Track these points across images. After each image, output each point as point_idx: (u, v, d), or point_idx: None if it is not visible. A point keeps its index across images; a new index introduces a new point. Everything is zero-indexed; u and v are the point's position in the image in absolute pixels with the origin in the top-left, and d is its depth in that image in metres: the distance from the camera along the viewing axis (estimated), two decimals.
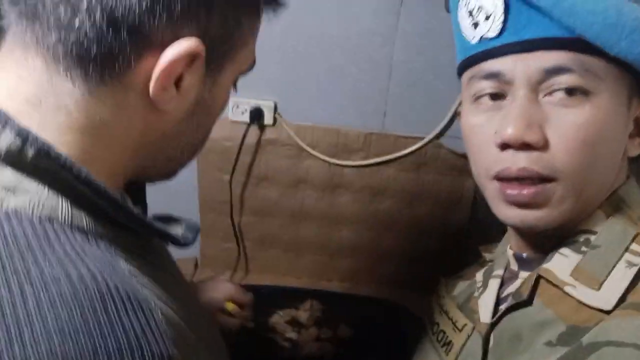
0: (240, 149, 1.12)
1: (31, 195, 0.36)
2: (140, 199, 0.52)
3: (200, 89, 0.43)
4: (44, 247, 0.34)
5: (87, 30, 0.36)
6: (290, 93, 1.13)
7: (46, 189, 0.37)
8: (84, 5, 0.35)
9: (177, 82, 0.40)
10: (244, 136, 1.11)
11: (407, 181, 1.17)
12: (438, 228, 1.19)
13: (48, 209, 0.36)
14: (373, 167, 1.16)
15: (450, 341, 0.61)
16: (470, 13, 0.50)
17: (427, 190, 1.16)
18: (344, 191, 1.18)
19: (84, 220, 0.38)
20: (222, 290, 0.83)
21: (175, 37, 0.38)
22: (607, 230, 0.51)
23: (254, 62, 0.49)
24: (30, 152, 0.36)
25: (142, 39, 0.37)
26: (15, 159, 0.36)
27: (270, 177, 1.17)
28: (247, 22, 0.44)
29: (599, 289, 0.47)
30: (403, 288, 1.22)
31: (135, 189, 0.50)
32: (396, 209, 1.19)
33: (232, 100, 1.11)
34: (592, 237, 0.51)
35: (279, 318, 1.06)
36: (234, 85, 0.48)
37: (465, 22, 0.51)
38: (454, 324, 0.62)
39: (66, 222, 0.37)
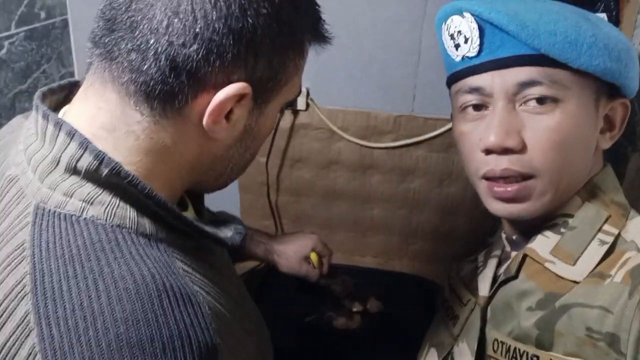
0: (275, 133, 1.21)
1: (105, 207, 0.44)
2: (200, 203, 0.61)
3: (248, 120, 0.50)
4: (114, 250, 0.42)
5: (153, 74, 0.44)
6: (321, 79, 1.21)
7: (118, 201, 0.45)
8: (152, 52, 0.43)
9: (228, 115, 0.47)
10: (278, 121, 1.20)
11: (436, 161, 1.23)
12: (467, 207, 1.25)
13: (119, 218, 0.44)
14: (403, 149, 1.23)
15: (457, 315, 0.71)
16: (452, 36, 0.58)
17: (456, 170, 1.22)
18: (374, 172, 1.26)
19: (147, 228, 0.45)
20: (308, 241, 0.97)
21: (227, 79, 0.45)
22: (583, 214, 0.60)
23: (299, 93, 0.56)
24: (104, 171, 0.44)
25: (198, 81, 0.44)
26: (92, 177, 0.44)
27: (304, 159, 1.26)
28: (291, 62, 0.49)
29: (574, 264, 0.57)
30: (432, 264, 1.29)
31: (195, 194, 0.60)
32: (426, 189, 1.26)
33: None
34: (570, 220, 0.60)
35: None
36: (282, 111, 0.55)
37: (448, 44, 0.59)
38: (460, 299, 0.72)
39: (133, 229, 0.45)
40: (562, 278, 0.57)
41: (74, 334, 0.38)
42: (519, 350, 0.58)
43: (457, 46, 0.59)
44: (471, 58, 0.58)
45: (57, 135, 0.45)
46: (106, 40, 0.45)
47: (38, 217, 0.43)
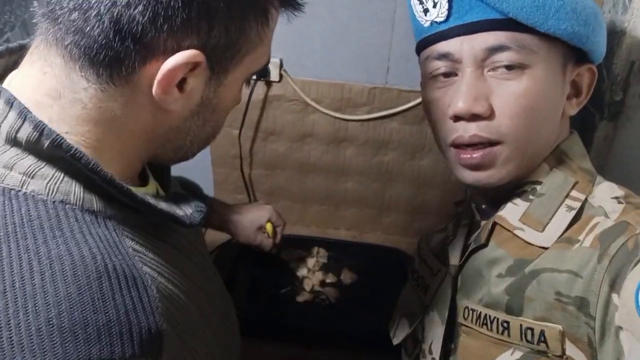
0: (247, 105, 1.21)
1: (47, 181, 0.42)
2: (165, 177, 0.59)
3: (205, 91, 0.47)
4: (53, 229, 0.40)
5: (96, 36, 0.41)
6: (295, 50, 1.20)
7: (62, 175, 0.42)
8: (94, 12, 0.40)
9: (181, 85, 0.45)
10: (251, 92, 1.19)
11: (410, 134, 1.24)
12: (439, 179, 1.27)
13: (62, 193, 0.42)
14: (377, 121, 1.24)
15: (428, 284, 0.72)
16: (420, 1, 0.57)
17: (429, 143, 1.24)
18: (348, 144, 1.27)
19: (95, 204, 0.43)
20: (264, 212, 1.00)
21: (178, 46, 0.43)
22: (550, 180, 0.61)
23: (267, 63, 0.53)
24: (45, 143, 0.41)
25: (145, 47, 0.42)
26: (34, 149, 0.42)
27: (278, 131, 1.26)
28: (253, 30, 0.47)
29: (542, 230, 0.58)
30: (405, 236, 1.32)
31: (161, 168, 0.58)
32: (399, 161, 1.27)
33: None
34: (538, 187, 0.61)
35: (289, 256, 1.18)
36: (247, 82, 0.53)
37: (417, 8, 0.60)
38: (430, 269, 0.73)
39: (77, 205, 0.42)
40: (531, 244, 0.58)
41: (3, 317, 0.36)
42: (489, 316, 0.59)
43: (425, 11, 0.59)
44: (440, 23, 0.58)
45: None
46: None
47: None
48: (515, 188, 0.63)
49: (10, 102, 0.42)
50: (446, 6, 0.57)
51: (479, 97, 0.57)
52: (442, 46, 0.59)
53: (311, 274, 1.15)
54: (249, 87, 0.54)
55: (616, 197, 0.58)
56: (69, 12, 0.41)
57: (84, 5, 0.41)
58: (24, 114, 0.42)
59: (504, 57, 0.56)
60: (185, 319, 0.46)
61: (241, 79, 0.51)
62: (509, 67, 0.57)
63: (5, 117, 0.42)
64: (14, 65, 0.49)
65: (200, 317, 0.51)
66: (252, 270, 1.15)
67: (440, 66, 0.60)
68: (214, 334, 0.54)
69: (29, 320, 0.36)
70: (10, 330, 0.35)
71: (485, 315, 0.60)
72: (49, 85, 0.44)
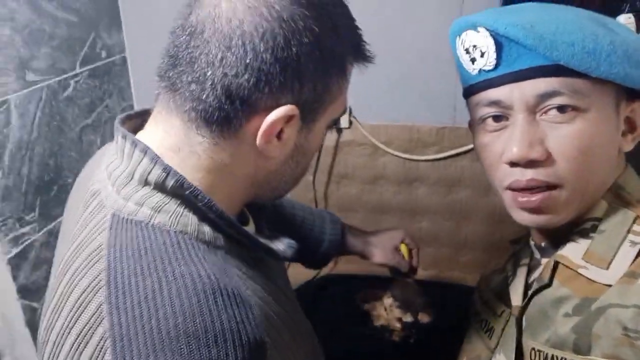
0: (320, 151, 1.27)
1: (170, 215, 0.51)
2: (260, 219, 0.67)
3: (297, 138, 0.55)
4: (176, 253, 0.48)
5: (211, 101, 0.50)
6: (362, 96, 1.25)
7: (182, 210, 0.51)
8: (209, 83, 0.50)
9: (279, 135, 0.53)
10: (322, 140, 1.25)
11: (482, 171, 1.21)
12: None
13: (182, 225, 0.50)
14: (447, 160, 1.25)
15: (492, 327, 0.72)
16: (467, 50, 0.60)
17: None
18: (420, 184, 1.29)
19: (207, 235, 0.51)
20: (398, 233, 1.03)
21: (276, 103, 0.51)
22: (610, 216, 0.60)
23: (345, 110, 0.61)
24: (171, 182, 0.50)
25: (250, 106, 0.51)
26: (161, 188, 0.51)
27: (350, 175, 1.31)
28: (335, 83, 0.55)
29: (607, 267, 0.58)
30: None
31: (257, 208, 0.66)
32: (473, 199, 1.27)
33: None
34: (598, 224, 0.61)
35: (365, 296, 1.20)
36: (329, 127, 0.61)
37: (464, 58, 0.61)
38: (493, 311, 0.72)
39: (193, 236, 0.50)
40: (596, 282, 0.57)
41: (138, 323, 0.43)
42: (557, 357, 0.58)
43: (473, 60, 0.60)
44: (488, 71, 0.59)
45: (133, 152, 0.52)
46: (170, 74, 0.52)
47: (114, 223, 0.50)
48: (574, 226, 0.62)
49: (144, 150, 0.52)
50: (494, 55, 0.58)
51: (533, 143, 0.57)
52: (492, 94, 0.60)
53: (388, 313, 1.16)
54: (331, 131, 0.63)
55: None
56: (188, 84, 0.51)
57: (201, 78, 0.50)
58: (155, 160, 0.51)
59: (556, 101, 0.57)
60: (280, 339, 0.52)
61: (325, 124, 0.59)
62: (561, 109, 0.57)
63: (140, 162, 0.52)
64: (141, 125, 0.59)
65: (291, 341, 0.57)
66: (328, 310, 1.19)
67: (490, 111, 0.61)
68: (304, 357, 0.60)
69: (159, 326, 0.43)
70: (145, 334, 0.43)
71: (553, 356, 0.59)
72: (171, 142, 0.53)
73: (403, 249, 1.04)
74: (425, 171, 1.27)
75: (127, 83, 1.35)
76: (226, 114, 0.51)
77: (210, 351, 0.43)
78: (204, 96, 0.50)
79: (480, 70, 0.60)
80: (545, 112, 0.58)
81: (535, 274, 0.68)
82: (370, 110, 1.26)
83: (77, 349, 0.46)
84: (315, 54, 0.51)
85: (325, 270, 1.36)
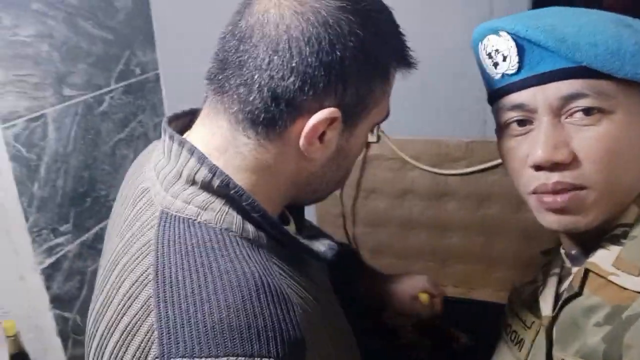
0: None
1: (216, 213, 0.52)
2: (301, 220, 0.68)
3: (339, 141, 0.56)
4: (222, 249, 0.50)
5: (257, 104, 0.52)
6: (391, 109, 1.25)
7: (227, 208, 0.53)
8: (256, 86, 0.51)
9: (321, 137, 0.54)
10: None
11: (512, 185, 1.21)
12: (547, 230, 1.21)
13: (227, 223, 0.52)
14: (477, 174, 1.23)
15: (522, 339, 0.70)
16: (490, 55, 0.60)
17: None
18: (450, 199, 1.27)
19: (251, 233, 0.53)
20: (417, 281, 0.98)
21: (320, 106, 0.52)
22: None
23: (387, 114, 0.62)
24: (216, 182, 0.52)
25: (295, 109, 0.52)
26: (207, 187, 0.53)
27: (378, 189, 1.30)
28: (378, 88, 0.56)
29: (638, 274, 0.55)
30: None
31: (297, 209, 0.68)
32: (505, 214, 1.24)
33: None
34: (629, 230, 0.58)
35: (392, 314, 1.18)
36: (372, 131, 0.62)
37: (486, 62, 0.61)
38: (523, 322, 0.70)
39: (238, 233, 0.52)
40: (628, 289, 0.55)
41: (185, 316, 0.45)
42: None
43: (495, 64, 0.60)
44: (511, 75, 0.59)
45: (181, 152, 0.54)
46: (219, 77, 0.54)
47: (162, 220, 0.52)
48: (604, 232, 0.60)
49: (192, 150, 0.54)
50: (516, 59, 0.57)
51: (558, 145, 0.56)
52: (515, 97, 0.59)
53: (413, 333, 1.14)
54: (374, 134, 0.64)
55: None
56: (237, 87, 0.53)
57: (248, 81, 0.52)
58: (202, 160, 0.53)
59: (581, 103, 0.56)
60: (318, 337, 0.52)
61: (367, 129, 0.59)
62: (587, 112, 0.56)
63: (187, 162, 0.54)
64: (189, 125, 0.61)
65: (328, 339, 0.57)
66: (354, 330, 1.17)
67: (515, 115, 0.60)
68: (340, 355, 0.60)
69: (205, 320, 0.44)
70: (191, 327, 0.44)
71: None
72: (218, 143, 0.55)
73: (423, 297, 0.97)
74: (454, 186, 1.25)
75: (159, 99, 1.39)
76: (272, 116, 0.52)
77: (253, 346, 0.44)
78: (251, 98, 0.52)
79: (503, 75, 0.60)
80: (571, 115, 0.57)
81: (565, 284, 0.66)
82: (398, 124, 1.25)
83: (125, 340, 0.47)
84: (359, 57, 0.52)
85: None
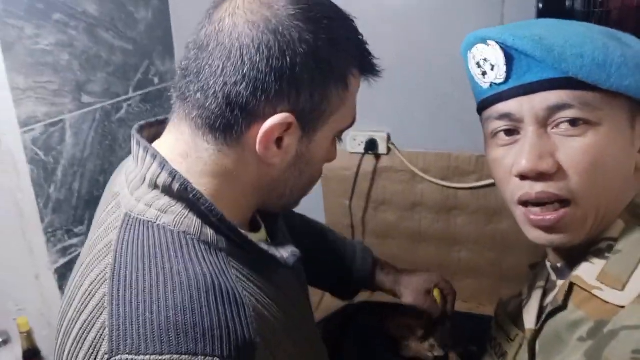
0: (357, 176, 1.28)
1: (175, 216, 0.53)
2: (273, 225, 0.69)
3: (298, 146, 0.57)
4: (177, 252, 0.51)
5: (214, 109, 0.53)
6: (401, 123, 1.26)
7: (187, 212, 0.53)
8: (211, 92, 0.53)
9: (279, 143, 0.55)
10: (359, 165, 1.27)
11: None
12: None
13: (185, 226, 0.53)
14: (487, 189, 1.22)
15: (505, 352, 0.69)
16: (478, 64, 0.60)
17: None
18: (459, 212, 1.26)
19: (209, 237, 0.53)
20: (432, 277, 0.99)
21: (274, 111, 0.53)
22: (627, 236, 0.57)
23: (353, 121, 0.62)
24: (176, 186, 0.53)
25: (249, 114, 0.53)
26: (168, 191, 0.54)
27: (388, 201, 1.30)
28: (334, 95, 0.56)
29: (622, 289, 0.54)
30: None
31: (270, 216, 0.68)
32: (515, 229, 1.21)
33: (349, 133, 1.28)
34: (614, 244, 0.58)
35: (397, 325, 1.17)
36: (339, 138, 0.63)
37: (475, 71, 0.61)
38: (507, 335, 0.70)
39: (196, 237, 0.53)
40: (610, 304, 0.54)
41: (134, 314, 0.46)
42: None
43: (484, 73, 0.60)
44: (499, 84, 0.59)
45: (145, 157, 0.56)
46: (181, 85, 0.56)
47: (125, 222, 0.54)
48: (590, 245, 0.59)
49: (154, 156, 0.55)
50: (504, 68, 0.57)
51: (543, 155, 0.56)
52: (502, 107, 0.59)
53: (418, 344, 1.13)
54: (341, 142, 0.64)
55: None
56: (194, 93, 0.54)
57: (205, 87, 0.53)
58: (163, 164, 0.54)
59: (567, 114, 0.55)
60: (276, 342, 0.53)
61: (330, 135, 0.60)
62: (573, 123, 0.55)
63: (150, 167, 0.55)
64: (161, 132, 0.63)
65: (292, 347, 0.57)
66: (358, 336, 1.17)
67: (501, 125, 0.60)
68: None
69: (152, 318, 0.46)
70: (139, 325, 0.46)
71: None
72: (181, 148, 0.57)
73: (436, 293, 0.99)
74: (464, 199, 1.25)
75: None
76: (227, 121, 0.53)
77: (197, 345, 0.45)
78: (208, 104, 0.53)
79: (491, 84, 0.60)
80: (557, 126, 0.57)
81: (550, 297, 0.65)
82: (408, 137, 1.26)
83: (81, 336, 0.49)
84: (311, 64, 0.53)
85: (360, 297, 1.35)
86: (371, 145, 1.27)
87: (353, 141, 1.28)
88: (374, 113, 1.25)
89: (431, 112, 1.23)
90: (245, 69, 0.52)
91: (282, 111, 0.53)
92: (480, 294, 1.31)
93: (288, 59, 0.52)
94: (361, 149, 1.27)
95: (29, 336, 1.08)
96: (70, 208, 1.10)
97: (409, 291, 0.99)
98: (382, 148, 1.27)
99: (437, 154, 1.24)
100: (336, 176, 1.32)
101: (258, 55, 0.51)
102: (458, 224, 1.27)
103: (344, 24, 0.57)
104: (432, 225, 1.29)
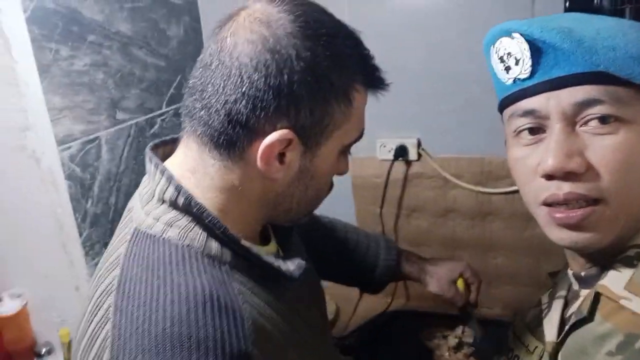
0: (387, 183, 1.27)
1: (180, 230, 0.55)
2: (285, 238, 0.70)
3: (301, 161, 0.58)
4: (179, 265, 0.52)
5: (216, 126, 0.55)
6: (432, 128, 1.24)
7: (193, 226, 0.55)
8: (214, 109, 0.55)
9: (282, 158, 0.56)
10: (389, 172, 1.25)
11: None
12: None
13: (189, 239, 0.55)
14: None
15: None
16: (502, 59, 0.57)
17: None
18: (494, 218, 1.23)
19: (213, 250, 0.55)
20: (458, 266, 1.00)
21: (273, 128, 0.54)
22: None
23: (360, 134, 0.62)
24: (181, 200, 0.55)
25: (250, 130, 0.54)
26: (175, 205, 0.56)
27: (420, 208, 1.29)
28: (336, 110, 0.57)
29: None
30: None
31: (282, 229, 0.69)
32: None
33: (379, 140, 1.27)
34: None
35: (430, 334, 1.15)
36: (344, 153, 0.63)
37: (498, 67, 0.59)
38: (526, 347, 0.67)
39: (200, 250, 0.54)
40: None
41: (134, 325, 0.48)
42: None
43: (507, 69, 0.57)
44: (523, 80, 0.56)
45: (155, 173, 0.58)
46: (188, 103, 0.58)
47: (134, 236, 0.56)
48: (617, 253, 0.56)
49: (163, 171, 0.57)
50: (529, 62, 0.54)
51: (571, 153, 0.53)
52: (526, 103, 0.56)
53: (451, 355, 1.11)
54: (349, 156, 0.64)
55: None
56: (199, 111, 0.56)
57: (208, 105, 0.55)
58: (170, 179, 0.56)
59: (597, 111, 0.52)
60: (279, 355, 0.54)
61: (335, 150, 0.60)
62: (603, 120, 0.52)
63: (159, 182, 0.57)
64: (172, 151, 0.65)
65: (293, 354, 0.58)
66: (392, 345, 1.15)
67: (525, 123, 0.57)
68: None
69: (150, 329, 0.47)
70: (137, 336, 0.47)
71: None
72: (189, 165, 0.59)
73: (459, 283, 0.99)
74: (498, 205, 1.22)
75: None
76: (230, 138, 0.55)
77: (191, 356, 0.46)
78: (211, 121, 0.55)
79: (515, 80, 0.57)
80: (586, 123, 0.53)
81: (573, 307, 0.61)
82: (438, 142, 1.25)
83: (89, 345, 0.51)
84: (309, 80, 0.53)
85: (394, 306, 1.34)
86: (401, 152, 1.26)
87: (383, 148, 1.27)
88: (403, 119, 1.24)
89: (461, 116, 1.21)
90: (245, 87, 0.53)
91: (282, 127, 0.54)
92: (518, 301, 1.27)
93: (286, 77, 0.53)
94: (391, 156, 1.26)
95: (70, 347, 1.12)
96: (107, 222, 1.13)
97: (434, 280, 0.99)
98: (412, 154, 1.26)
99: (469, 158, 1.22)
100: (366, 183, 1.31)
101: (256, 74, 0.53)
102: (493, 230, 1.24)
103: (346, 40, 0.58)
104: (467, 232, 1.27)
